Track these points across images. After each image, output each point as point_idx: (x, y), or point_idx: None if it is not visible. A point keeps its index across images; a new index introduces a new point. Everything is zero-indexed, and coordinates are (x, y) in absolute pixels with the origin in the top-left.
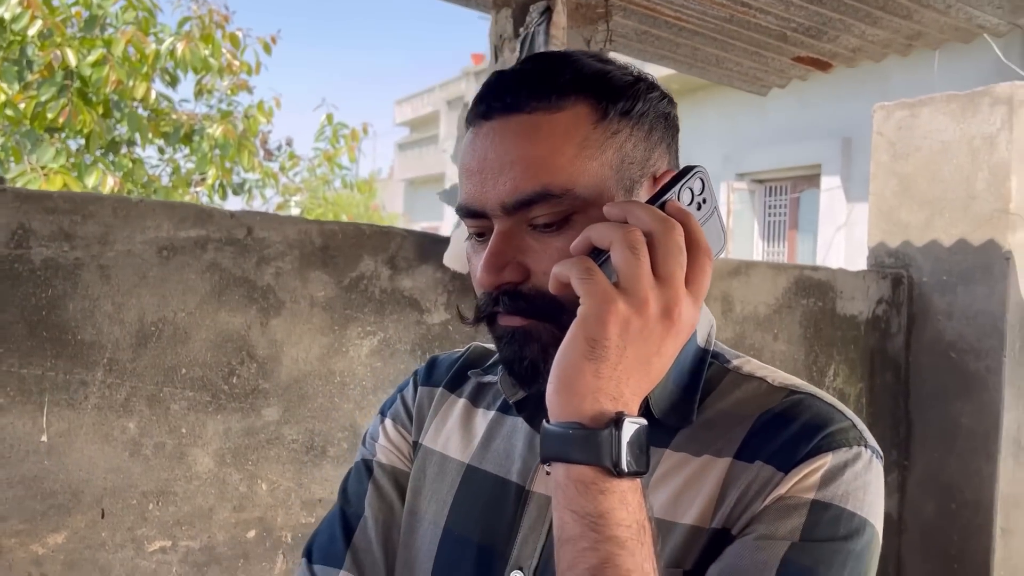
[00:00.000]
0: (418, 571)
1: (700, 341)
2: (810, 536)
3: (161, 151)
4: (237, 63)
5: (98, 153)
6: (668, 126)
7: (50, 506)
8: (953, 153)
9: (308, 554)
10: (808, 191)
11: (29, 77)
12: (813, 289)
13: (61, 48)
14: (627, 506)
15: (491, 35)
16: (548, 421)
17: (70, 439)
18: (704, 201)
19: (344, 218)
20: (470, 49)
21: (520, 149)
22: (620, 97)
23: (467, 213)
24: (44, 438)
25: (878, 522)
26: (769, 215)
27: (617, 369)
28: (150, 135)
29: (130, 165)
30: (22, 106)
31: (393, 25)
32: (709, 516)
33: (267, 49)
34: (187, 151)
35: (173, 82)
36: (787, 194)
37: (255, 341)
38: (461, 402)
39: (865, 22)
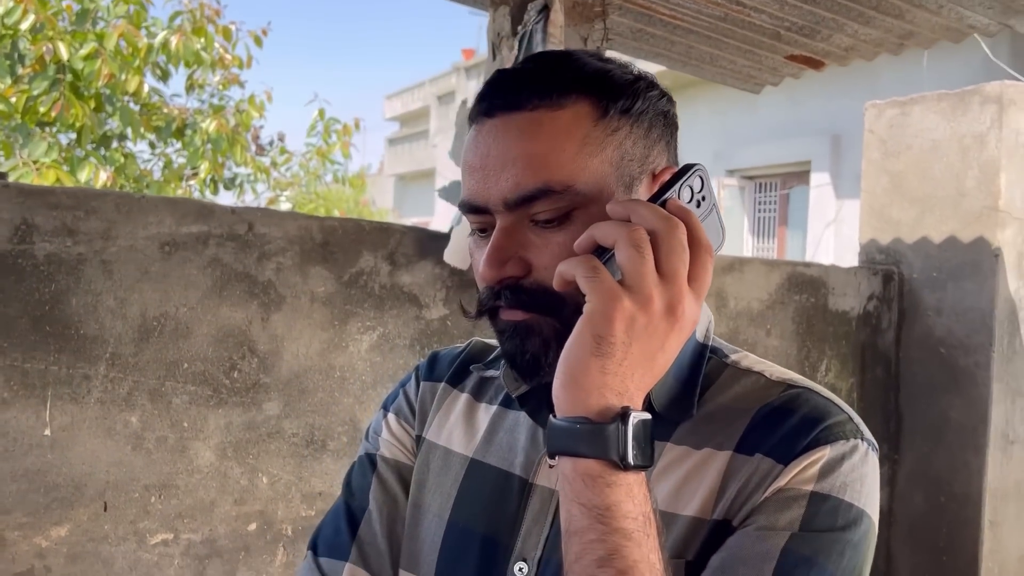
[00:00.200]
0: (423, 563)
1: (699, 336)
2: (809, 527)
3: (152, 146)
4: (229, 57)
5: (90, 147)
6: (667, 124)
7: (53, 499)
8: (943, 151)
9: (313, 547)
10: (798, 188)
11: (21, 71)
12: (806, 285)
13: (53, 42)
14: (633, 498)
15: (489, 33)
16: (555, 416)
17: (73, 433)
18: (703, 198)
19: (336, 213)
20: (460, 44)
21: (522, 146)
22: (620, 95)
23: (470, 209)
24: (47, 432)
25: (874, 512)
26: (759, 211)
27: (623, 365)
28: (142, 129)
29: (122, 160)
30: (13, 100)
31: (384, 20)
32: (710, 508)
33: (258, 42)
34: (179, 145)
35: (164, 76)
36: (777, 190)
37: (256, 336)
38: (463, 397)
39: (858, 21)
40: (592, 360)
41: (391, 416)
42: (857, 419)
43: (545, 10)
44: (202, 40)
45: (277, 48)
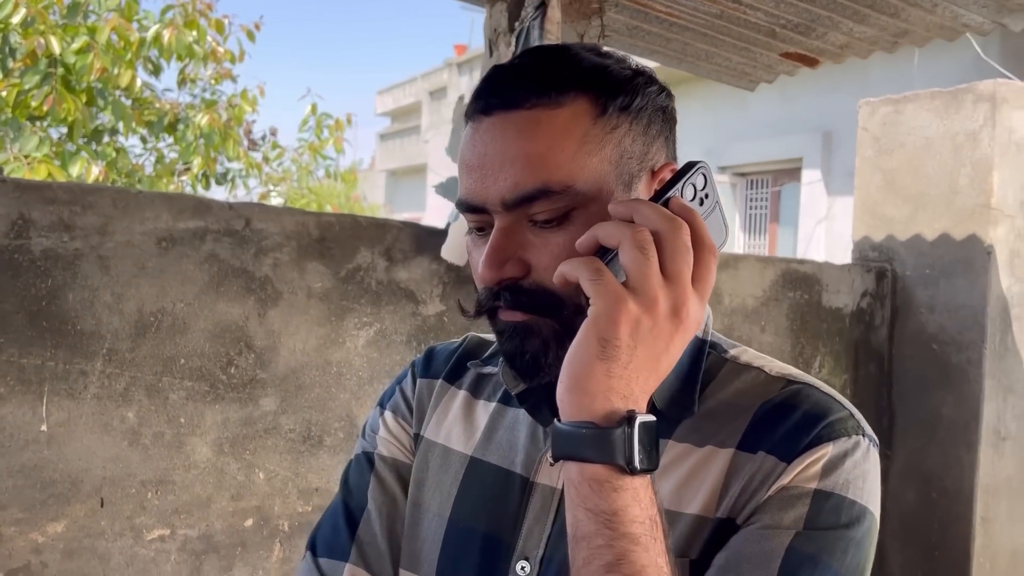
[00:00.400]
0: (424, 562)
1: (698, 332)
2: (813, 525)
3: (144, 140)
4: (222, 50)
5: (81, 142)
6: (666, 119)
7: (50, 495)
8: (936, 149)
9: (312, 547)
10: (789, 184)
11: (12, 65)
12: (800, 282)
13: (45, 36)
14: (640, 503)
15: (486, 29)
16: (559, 420)
17: (70, 428)
18: (707, 196)
19: (328, 208)
20: (452, 40)
21: (520, 146)
22: (619, 92)
23: (467, 208)
24: (44, 427)
25: (876, 509)
26: (750, 208)
27: (628, 368)
28: (134, 124)
29: (114, 154)
30: (4, 94)
31: (376, 15)
32: (714, 506)
33: (250, 37)
34: (171, 140)
35: (156, 71)
36: (768, 187)
37: (253, 332)
38: (461, 394)
39: (853, 19)
40: (597, 364)
41: (388, 414)
42: (858, 415)
43: (542, 6)
44: (194, 33)
45: (269, 43)
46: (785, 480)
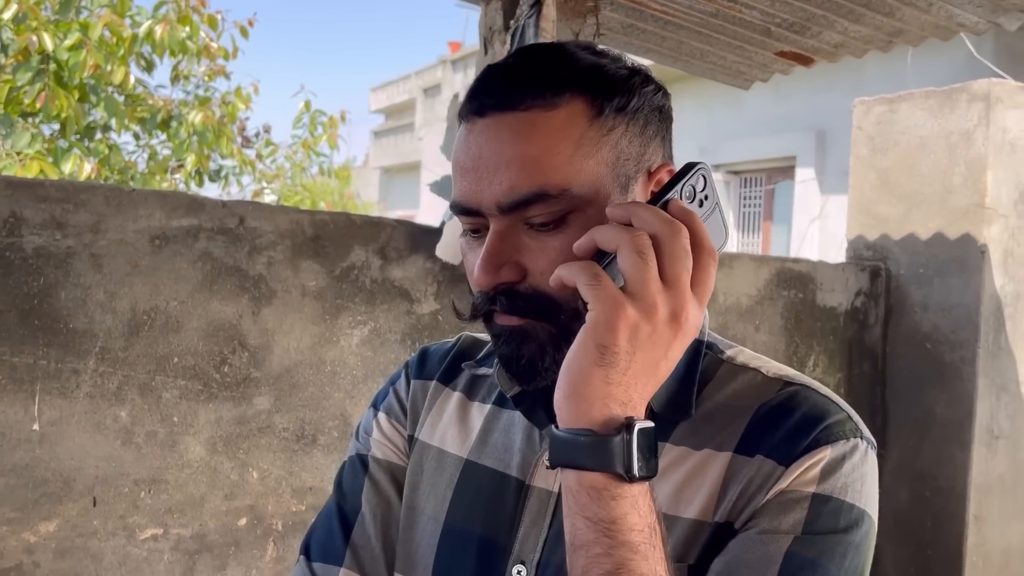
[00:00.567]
0: (419, 566)
1: None
2: (812, 529)
3: (137, 137)
4: (215, 46)
5: (74, 138)
6: (662, 119)
7: (42, 494)
8: (931, 148)
9: (306, 551)
10: (783, 183)
11: (4, 61)
12: (794, 281)
13: (37, 32)
14: (638, 510)
15: (481, 27)
16: (557, 427)
17: (62, 427)
18: (706, 198)
19: (321, 205)
20: (447, 37)
21: (515, 148)
22: (615, 93)
23: (462, 211)
24: (36, 427)
25: (874, 511)
26: (744, 206)
27: (626, 375)
28: (126, 121)
29: (106, 151)
30: None
31: (370, 12)
32: (711, 510)
33: (244, 33)
34: (164, 137)
35: (149, 67)
36: (762, 185)
37: (247, 330)
38: (456, 395)
39: (848, 19)
40: (595, 370)
41: (382, 415)
42: (856, 417)
43: (537, 5)
44: (187, 29)
45: (264, 41)
46: (783, 484)
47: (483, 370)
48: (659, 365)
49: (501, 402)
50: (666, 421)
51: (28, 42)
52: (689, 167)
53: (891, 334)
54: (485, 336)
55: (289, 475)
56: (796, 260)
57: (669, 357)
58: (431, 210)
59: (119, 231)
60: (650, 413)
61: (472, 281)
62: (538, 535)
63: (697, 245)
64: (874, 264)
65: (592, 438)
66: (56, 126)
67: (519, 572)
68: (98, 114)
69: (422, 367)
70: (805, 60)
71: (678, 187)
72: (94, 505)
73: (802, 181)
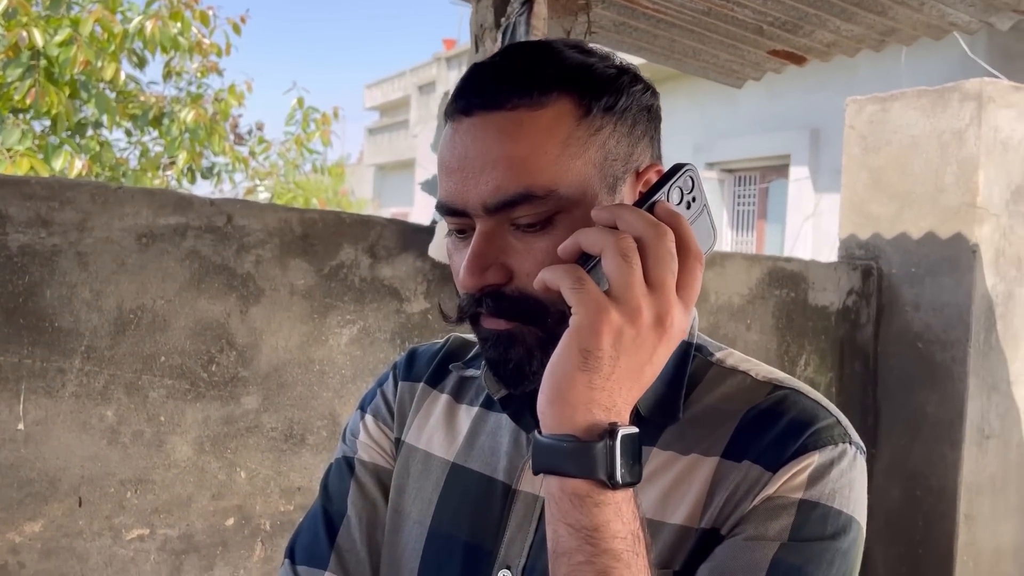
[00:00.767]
0: (404, 570)
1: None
2: (799, 536)
3: (129, 134)
4: (207, 42)
5: (65, 135)
6: (651, 119)
7: (27, 494)
8: (923, 147)
9: (291, 554)
10: (777, 181)
11: None
12: (786, 280)
13: (27, 28)
14: (622, 517)
15: (472, 25)
16: (540, 432)
17: (47, 427)
18: (694, 199)
19: (314, 202)
20: (442, 34)
21: (502, 148)
22: (603, 92)
23: (447, 211)
24: (21, 426)
25: (862, 517)
26: (738, 205)
27: (610, 380)
28: (118, 117)
29: (98, 148)
30: None
31: (365, 9)
32: (698, 516)
33: (236, 30)
34: (156, 134)
35: (141, 63)
36: (756, 184)
37: (234, 329)
38: (443, 398)
39: (840, 18)
40: (579, 375)
41: (369, 417)
42: (845, 421)
43: (528, 2)
44: (179, 25)
45: (257, 39)
46: (770, 490)
47: (471, 372)
48: (644, 369)
49: (489, 405)
50: (653, 425)
51: (18, 38)
52: (677, 168)
53: (883, 333)
54: (474, 337)
55: (277, 475)
56: (788, 259)
57: (654, 361)
58: (425, 207)
59: (105, 229)
60: (637, 417)
61: (458, 282)
62: (524, 540)
63: (683, 248)
64: (866, 263)
65: (575, 444)
66: (47, 122)
67: None
68: (89, 110)
69: (410, 369)
70: (798, 59)
71: (665, 188)
72: (80, 505)
73: (796, 180)
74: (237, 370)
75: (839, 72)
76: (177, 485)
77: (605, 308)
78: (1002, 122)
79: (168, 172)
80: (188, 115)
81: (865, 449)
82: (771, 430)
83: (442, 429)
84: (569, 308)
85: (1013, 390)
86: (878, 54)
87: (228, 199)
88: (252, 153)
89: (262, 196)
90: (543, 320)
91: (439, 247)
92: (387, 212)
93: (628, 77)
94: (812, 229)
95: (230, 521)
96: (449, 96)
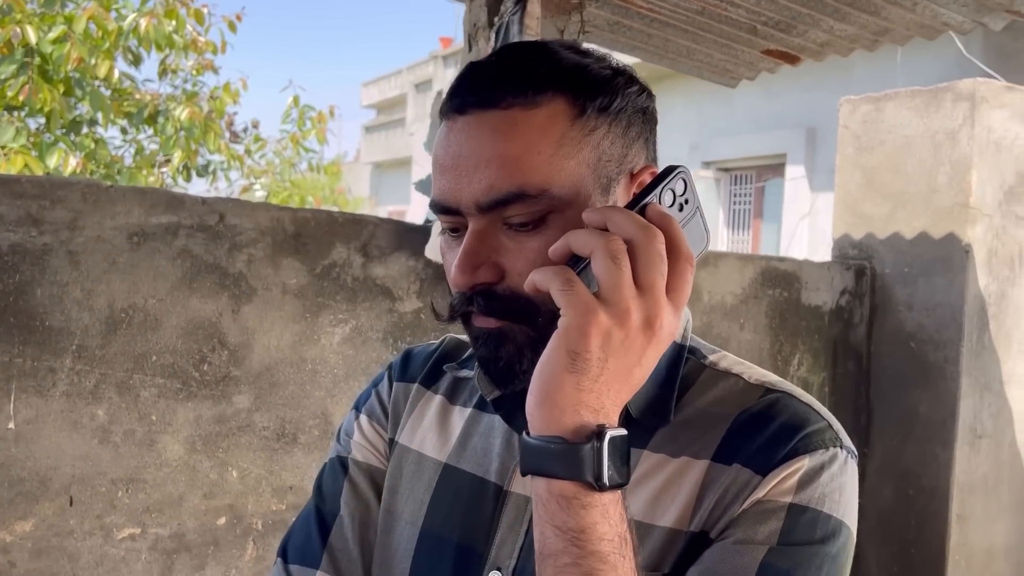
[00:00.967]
0: (395, 571)
1: (676, 337)
2: (788, 540)
3: (124, 131)
4: (202, 40)
5: (59, 132)
6: (646, 120)
7: (17, 493)
8: (916, 147)
9: (283, 553)
10: (773, 180)
11: None
12: (779, 280)
13: (21, 25)
14: (609, 519)
15: (465, 24)
16: (528, 434)
17: (38, 426)
18: (686, 202)
19: (310, 200)
20: (438, 32)
21: (496, 147)
22: (598, 93)
23: (440, 209)
24: (11, 425)
25: (853, 522)
26: (734, 203)
27: (598, 381)
28: (112, 115)
29: (92, 145)
30: None
31: (361, 7)
32: (687, 519)
33: (232, 28)
34: (151, 132)
35: (136, 61)
36: (752, 183)
37: (226, 328)
38: (437, 399)
39: (833, 17)
40: (567, 376)
41: (363, 418)
42: (836, 425)
43: (522, 1)
44: (173, 23)
45: (253, 38)
46: (760, 494)
47: (464, 372)
48: (633, 372)
49: (482, 406)
50: (644, 427)
51: (12, 34)
52: (669, 170)
53: (876, 333)
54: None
55: (269, 474)
56: (781, 259)
57: (643, 364)
58: (422, 206)
59: (96, 228)
60: (628, 418)
61: (450, 280)
62: (515, 541)
63: (674, 250)
64: (859, 263)
65: (562, 446)
66: (41, 120)
67: None
68: (84, 108)
69: (405, 369)
70: (791, 59)
71: (657, 191)
72: (71, 504)
73: (792, 178)
74: (229, 369)
75: (835, 71)
76: (168, 484)
77: (593, 310)
78: (995, 122)
79: (163, 170)
80: (183, 113)
81: (857, 453)
82: (762, 434)
83: (435, 430)
84: (559, 309)
85: (1006, 390)
86: (875, 53)
87: (220, 198)
88: (248, 151)
89: (258, 194)
90: (534, 319)
91: (435, 247)
92: (384, 210)
93: (623, 79)
94: (808, 228)
95: (222, 520)
96: (443, 95)
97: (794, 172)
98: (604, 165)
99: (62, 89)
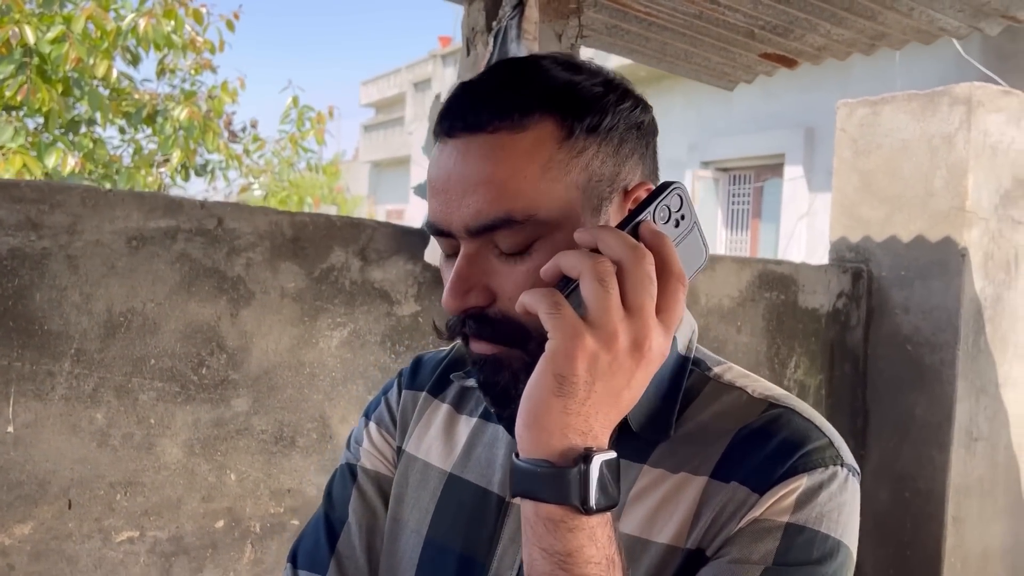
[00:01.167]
0: None
1: (681, 348)
2: (783, 560)
3: (122, 131)
4: (201, 40)
5: (58, 132)
6: (641, 135)
7: (16, 497)
8: (913, 151)
9: (293, 559)
10: (771, 180)
11: None
12: (776, 282)
13: (19, 25)
14: (596, 542)
15: (464, 28)
16: (518, 456)
17: (37, 430)
18: (683, 217)
19: (309, 200)
20: (437, 31)
21: (483, 172)
22: (587, 113)
23: (435, 231)
24: (10, 429)
25: (852, 541)
26: (733, 204)
27: (586, 405)
28: (111, 115)
29: (91, 145)
30: None
31: (361, 6)
32: (684, 536)
33: (230, 26)
34: (149, 132)
35: (135, 61)
36: (751, 183)
37: (225, 332)
38: (444, 407)
39: (831, 22)
40: (554, 400)
41: (373, 425)
42: (838, 442)
43: (520, 6)
44: (172, 23)
45: (252, 36)
46: (756, 512)
47: (471, 382)
48: (622, 394)
49: (487, 416)
50: (645, 441)
51: (10, 34)
52: (665, 186)
53: (872, 336)
54: None
55: (267, 477)
56: (778, 262)
57: (632, 386)
58: (421, 206)
59: (95, 232)
60: (628, 432)
61: (442, 303)
62: (516, 553)
63: (665, 270)
64: (856, 266)
65: (549, 469)
66: (40, 120)
67: None
68: (82, 108)
69: (414, 377)
70: (789, 62)
71: (651, 208)
72: (69, 507)
73: (791, 179)
74: (227, 373)
75: (834, 71)
76: (167, 487)
77: (580, 333)
78: (991, 126)
79: (162, 170)
80: (182, 112)
81: (859, 471)
82: (761, 451)
83: (441, 439)
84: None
85: (1001, 392)
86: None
87: (218, 202)
88: (246, 151)
89: (256, 194)
90: (525, 344)
91: (434, 251)
92: (382, 209)
93: (615, 95)
94: (806, 228)
95: (220, 523)
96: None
97: (792, 172)
98: (595, 186)
99: (60, 89)
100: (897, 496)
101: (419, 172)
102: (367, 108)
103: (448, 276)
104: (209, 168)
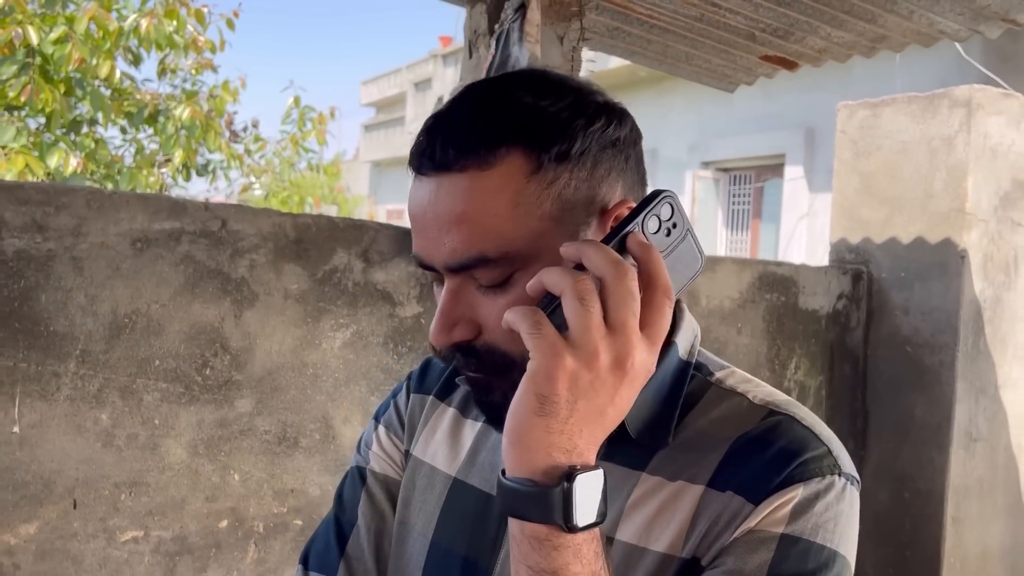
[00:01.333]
0: None
1: (682, 353)
2: (778, 571)
3: (124, 131)
4: (202, 40)
5: (60, 132)
6: (618, 151)
7: (22, 496)
8: (913, 153)
9: (304, 560)
10: (772, 180)
11: None
12: (776, 284)
13: (22, 25)
14: (582, 559)
15: (466, 31)
16: (504, 474)
17: (42, 430)
18: (674, 226)
19: (309, 200)
20: (438, 31)
21: (454, 211)
22: (555, 141)
23: (420, 264)
24: (16, 429)
25: (849, 551)
26: (733, 204)
27: (568, 423)
28: (113, 115)
29: (93, 145)
30: None
31: (361, 5)
32: (681, 544)
33: (230, 25)
34: (151, 131)
35: (136, 61)
36: (751, 183)
37: (229, 333)
38: (450, 412)
39: (831, 25)
40: (536, 419)
41: (382, 429)
42: (838, 450)
43: (522, 8)
44: (174, 23)
45: (253, 36)
46: (752, 523)
47: None
48: (606, 412)
49: None
50: (645, 448)
51: (13, 35)
52: (654, 195)
53: (872, 337)
54: None
55: (271, 477)
56: (779, 263)
57: (616, 403)
58: None
59: (100, 234)
60: (627, 439)
61: (430, 338)
62: None
63: (650, 284)
64: (856, 267)
65: (533, 488)
66: (42, 120)
67: None
68: (84, 108)
69: (422, 380)
70: (789, 64)
71: (640, 218)
72: (74, 507)
73: (791, 179)
74: (231, 374)
75: (834, 72)
76: (171, 487)
77: (560, 353)
78: (991, 128)
79: (163, 170)
80: (183, 112)
81: (859, 479)
82: (758, 460)
83: (447, 443)
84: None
85: (1001, 394)
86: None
87: (222, 204)
88: (248, 151)
89: (257, 193)
90: (511, 373)
91: None
92: (383, 209)
93: (584, 119)
94: (807, 229)
95: (223, 523)
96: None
97: (793, 172)
98: (569, 213)
99: (63, 89)
100: (897, 497)
101: None
102: (367, 108)
103: (439, 301)
104: (210, 168)
